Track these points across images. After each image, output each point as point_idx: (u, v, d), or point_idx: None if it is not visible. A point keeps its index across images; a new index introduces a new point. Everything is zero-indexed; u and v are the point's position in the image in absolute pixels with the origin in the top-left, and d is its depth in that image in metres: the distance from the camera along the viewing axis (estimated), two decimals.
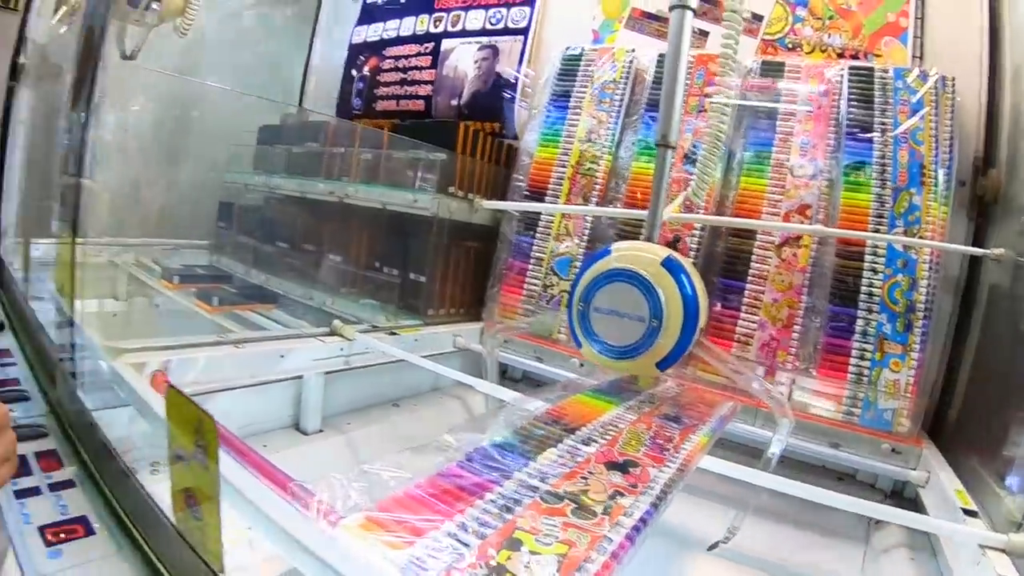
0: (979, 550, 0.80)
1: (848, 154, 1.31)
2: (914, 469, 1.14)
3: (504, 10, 2.01)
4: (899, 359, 1.18)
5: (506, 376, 1.70)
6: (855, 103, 1.34)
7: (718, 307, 1.36)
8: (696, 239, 1.40)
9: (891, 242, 1.21)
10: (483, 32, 2.07)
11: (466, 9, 2.11)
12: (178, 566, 0.70)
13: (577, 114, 1.66)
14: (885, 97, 1.32)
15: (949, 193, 1.24)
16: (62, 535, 0.78)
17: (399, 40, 2.31)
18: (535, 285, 1.61)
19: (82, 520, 0.82)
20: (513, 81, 1.97)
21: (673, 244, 1.40)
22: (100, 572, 0.76)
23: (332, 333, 1.41)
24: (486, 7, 2.06)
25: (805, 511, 0.93)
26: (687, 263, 0.90)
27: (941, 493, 1.04)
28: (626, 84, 1.62)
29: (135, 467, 0.89)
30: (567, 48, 1.76)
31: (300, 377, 1.34)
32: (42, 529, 0.78)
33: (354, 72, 2.46)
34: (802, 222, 1.31)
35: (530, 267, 1.63)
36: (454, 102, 2.09)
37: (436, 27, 2.19)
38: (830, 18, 1.52)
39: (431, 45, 2.19)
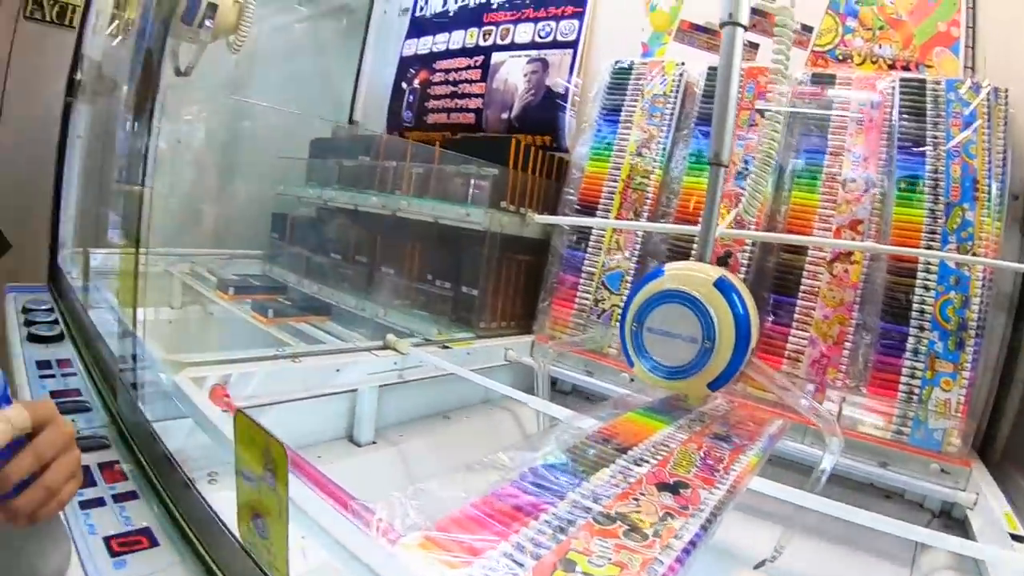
0: None
1: (900, 168, 1.32)
2: (963, 490, 1.14)
3: (553, 23, 2.07)
4: (950, 378, 1.19)
5: (556, 388, 1.74)
6: (907, 115, 1.35)
7: (769, 323, 1.38)
8: (747, 254, 1.43)
9: (943, 259, 1.22)
10: (532, 45, 2.12)
11: (515, 23, 2.17)
12: None
13: (628, 128, 1.70)
14: (937, 109, 1.33)
15: (1002, 208, 1.24)
16: (127, 546, 0.82)
17: (449, 53, 2.38)
18: (586, 299, 1.65)
19: (146, 531, 0.86)
20: (563, 93, 2.01)
21: (724, 260, 1.44)
22: None
23: (386, 347, 1.47)
24: (535, 20, 2.12)
25: (852, 530, 0.94)
26: (739, 282, 0.94)
27: (989, 516, 1.05)
28: (676, 98, 1.66)
29: (194, 477, 0.94)
30: (616, 62, 1.80)
31: (355, 390, 1.39)
32: (107, 540, 0.82)
33: (404, 85, 2.53)
34: (854, 237, 1.32)
35: (581, 281, 1.67)
36: (505, 115, 2.15)
37: (485, 40, 2.25)
38: (880, 28, 1.52)
39: (481, 58, 2.25)
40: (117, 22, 2.37)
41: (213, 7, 1.51)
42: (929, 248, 1.24)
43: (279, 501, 0.61)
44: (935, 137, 1.31)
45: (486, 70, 2.23)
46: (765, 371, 0.99)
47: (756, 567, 0.99)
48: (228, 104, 2.53)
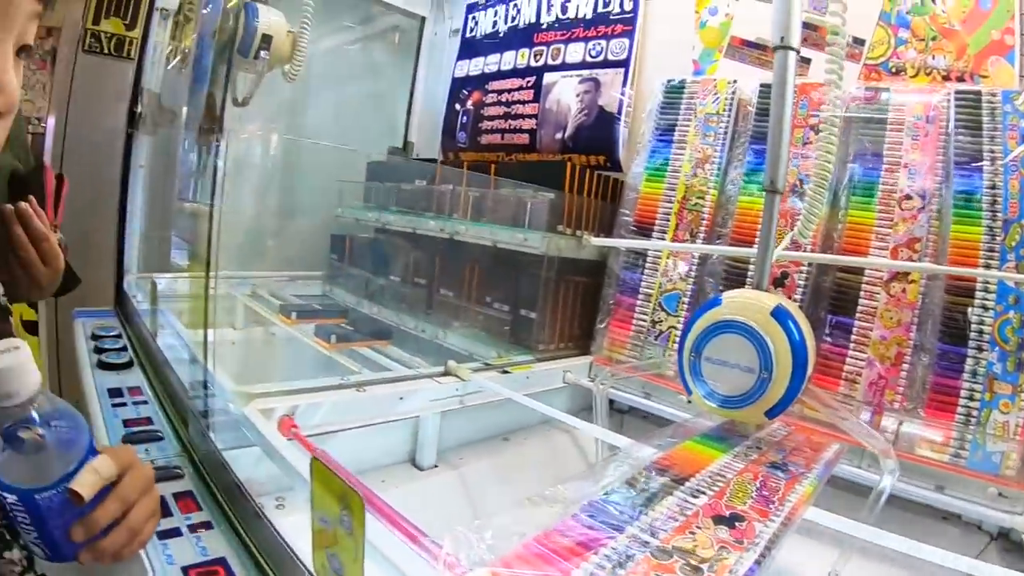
0: None
1: (957, 184, 1.32)
2: (1021, 514, 1.14)
3: (604, 42, 2.12)
4: (1009, 400, 1.19)
5: (613, 408, 1.76)
6: (963, 129, 1.35)
7: (826, 344, 1.40)
8: (804, 275, 1.46)
9: (1001, 279, 1.23)
10: (583, 65, 2.18)
11: (566, 42, 2.23)
12: None
13: (682, 148, 1.74)
14: (993, 122, 1.32)
15: None
16: None
17: (501, 74, 2.46)
18: (643, 320, 1.70)
19: (221, 561, 0.90)
20: (617, 112, 2.07)
21: (781, 281, 1.47)
22: None
23: (447, 373, 1.53)
24: (585, 39, 2.18)
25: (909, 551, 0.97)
26: (796, 310, 0.96)
27: None
28: (729, 116, 1.70)
29: (262, 503, 0.99)
30: (668, 80, 1.84)
31: (417, 416, 1.46)
32: (185, 570, 0.86)
33: (458, 106, 2.62)
34: (911, 256, 1.34)
35: (638, 302, 1.72)
36: (559, 135, 2.21)
37: (537, 60, 2.32)
38: (933, 39, 1.51)
39: (533, 79, 2.32)
40: (173, 50, 2.50)
41: (268, 38, 1.56)
42: (987, 267, 1.25)
43: (356, 546, 0.66)
44: (992, 151, 1.31)
45: (538, 90, 2.30)
46: (823, 398, 1.03)
47: None
48: (286, 125, 2.65)
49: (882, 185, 1.42)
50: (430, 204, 2.14)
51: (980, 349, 1.23)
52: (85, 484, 0.57)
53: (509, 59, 2.43)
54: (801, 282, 1.47)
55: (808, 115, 1.56)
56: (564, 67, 2.24)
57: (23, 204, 1.07)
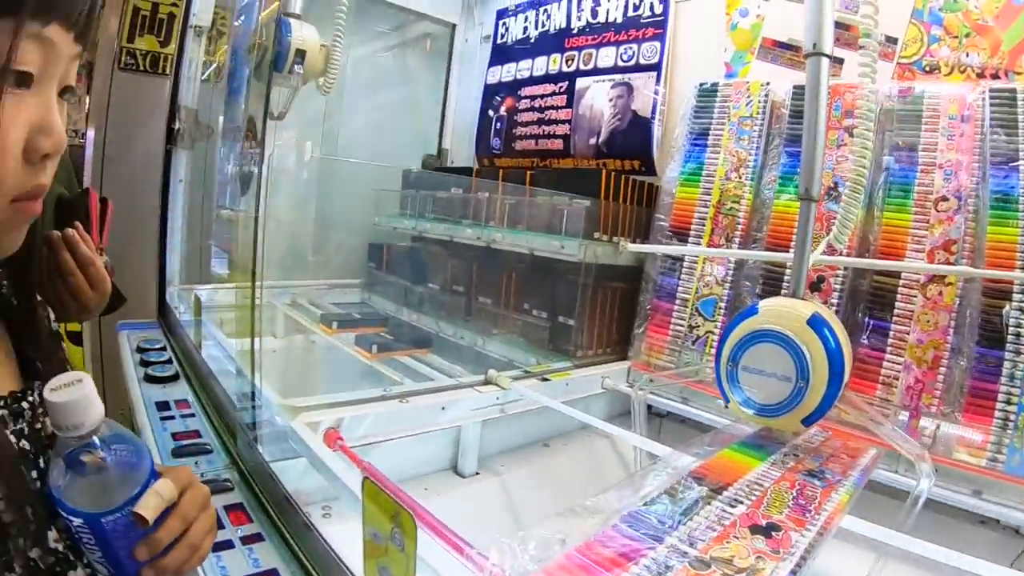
0: None
1: (993, 184, 1.32)
2: None
3: (635, 46, 2.15)
4: None
5: (651, 412, 1.79)
6: (998, 128, 1.35)
7: (863, 347, 1.42)
8: (840, 279, 1.48)
9: None
10: (615, 69, 2.21)
11: (597, 47, 2.26)
12: None
13: (716, 152, 1.76)
14: None
15: None
16: None
17: (533, 80, 2.50)
18: (681, 325, 1.74)
19: (273, 573, 0.94)
20: (650, 117, 2.09)
21: (817, 285, 1.49)
22: None
23: (488, 382, 1.56)
24: (616, 44, 2.21)
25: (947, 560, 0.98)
26: (832, 317, 0.99)
27: None
28: (763, 119, 1.71)
29: (309, 511, 1.03)
30: (700, 84, 1.86)
31: (459, 426, 1.50)
32: None
33: (491, 112, 2.67)
34: (947, 258, 1.34)
35: (675, 307, 1.75)
36: (592, 141, 2.25)
37: (568, 66, 2.35)
38: (966, 36, 1.50)
39: (565, 84, 2.36)
40: (207, 64, 2.58)
41: (301, 53, 1.60)
42: None
43: (407, 561, 0.70)
44: None
45: (571, 96, 2.33)
46: (855, 402, 1.05)
47: None
48: (322, 133, 2.72)
49: (918, 187, 1.42)
50: (466, 212, 2.19)
51: (1018, 352, 1.23)
52: (149, 507, 0.60)
53: (541, 64, 2.46)
54: (837, 286, 1.48)
55: (842, 116, 1.56)
56: (596, 72, 2.26)
57: (70, 231, 1.11)
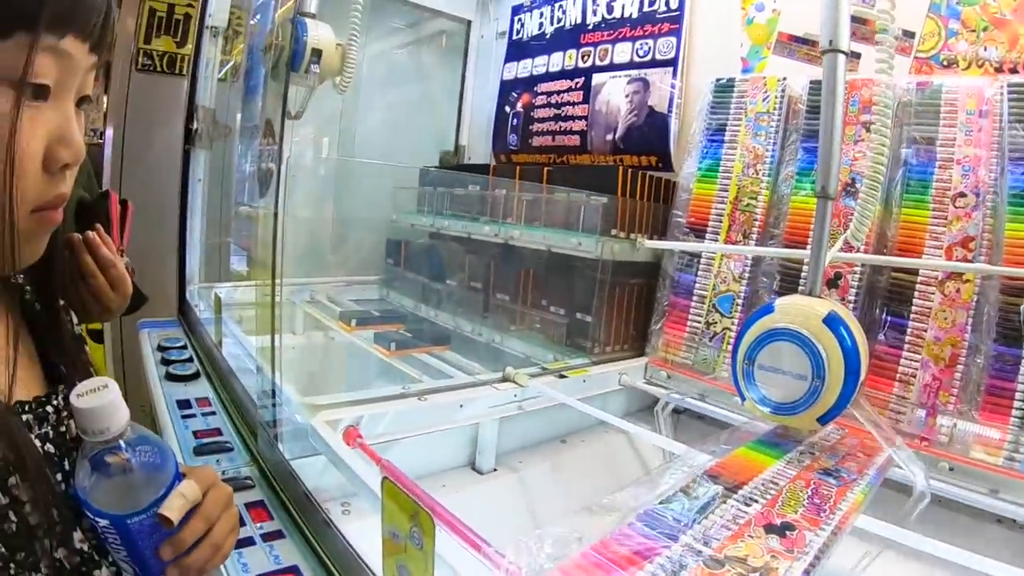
0: None
1: (1012, 180, 1.31)
2: None
3: (651, 41, 2.15)
4: None
5: None
6: (1016, 123, 1.34)
7: (881, 344, 1.41)
8: (857, 275, 1.48)
9: None
10: (631, 65, 2.21)
11: (613, 42, 2.27)
12: None
13: (733, 148, 1.76)
14: None
15: None
16: None
17: (549, 76, 2.51)
18: (698, 322, 1.74)
19: (294, 569, 0.96)
20: (667, 112, 2.10)
21: (834, 281, 1.49)
22: None
23: (505, 379, 1.58)
24: (632, 39, 2.21)
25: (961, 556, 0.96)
26: (848, 315, 0.99)
27: None
28: (780, 114, 1.70)
29: (328, 508, 1.06)
30: (717, 79, 1.85)
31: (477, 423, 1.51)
32: None
33: (507, 109, 2.69)
34: (965, 255, 1.34)
35: (692, 304, 1.76)
36: (609, 137, 2.26)
37: (584, 62, 2.36)
38: (984, 29, 1.48)
39: (581, 80, 2.37)
40: (224, 63, 2.61)
41: (318, 53, 1.62)
42: None
43: (426, 560, 0.71)
44: None
45: (588, 91, 2.34)
46: (869, 415, 1.04)
47: None
48: (339, 131, 2.74)
49: (936, 182, 1.41)
50: (484, 209, 2.21)
51: None
52: (174, 508, 0.63)
53: (557, 60, 2.47)
54: (855, 282, 1.48)
55: (860, 112, 1.55)
56: (612, 67, 2.27)
57: (90, 233, 1.13)
